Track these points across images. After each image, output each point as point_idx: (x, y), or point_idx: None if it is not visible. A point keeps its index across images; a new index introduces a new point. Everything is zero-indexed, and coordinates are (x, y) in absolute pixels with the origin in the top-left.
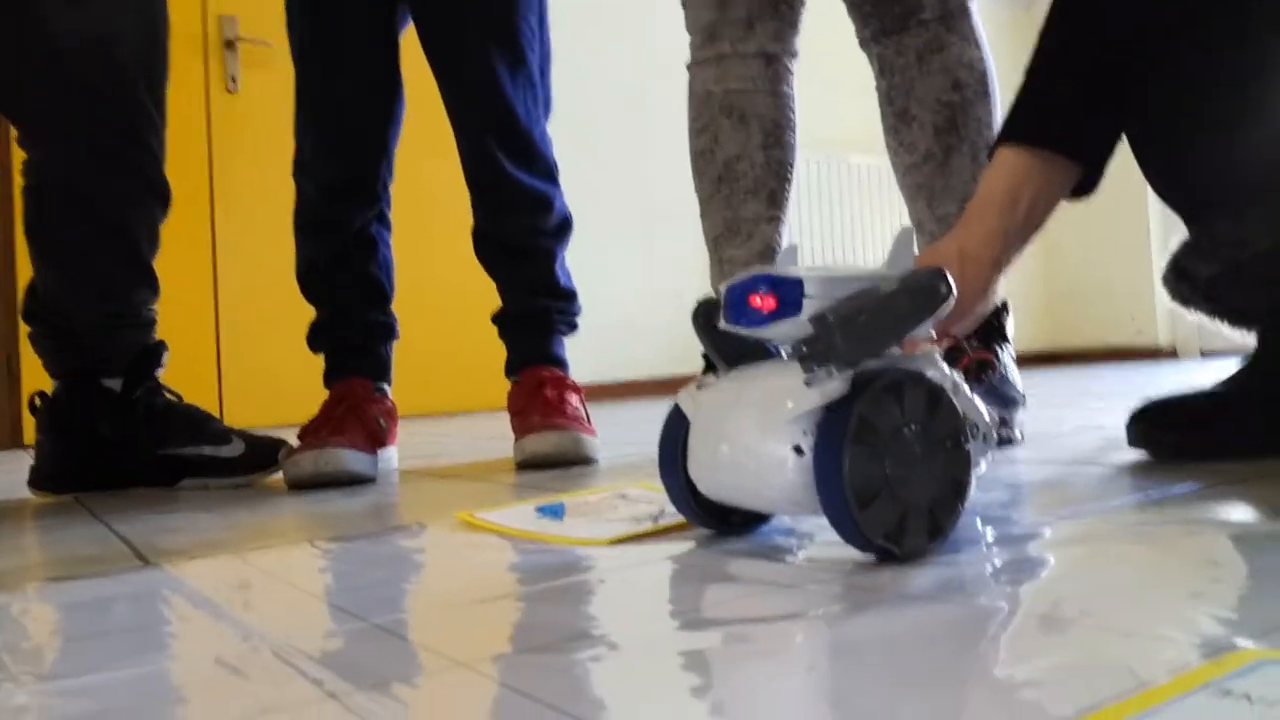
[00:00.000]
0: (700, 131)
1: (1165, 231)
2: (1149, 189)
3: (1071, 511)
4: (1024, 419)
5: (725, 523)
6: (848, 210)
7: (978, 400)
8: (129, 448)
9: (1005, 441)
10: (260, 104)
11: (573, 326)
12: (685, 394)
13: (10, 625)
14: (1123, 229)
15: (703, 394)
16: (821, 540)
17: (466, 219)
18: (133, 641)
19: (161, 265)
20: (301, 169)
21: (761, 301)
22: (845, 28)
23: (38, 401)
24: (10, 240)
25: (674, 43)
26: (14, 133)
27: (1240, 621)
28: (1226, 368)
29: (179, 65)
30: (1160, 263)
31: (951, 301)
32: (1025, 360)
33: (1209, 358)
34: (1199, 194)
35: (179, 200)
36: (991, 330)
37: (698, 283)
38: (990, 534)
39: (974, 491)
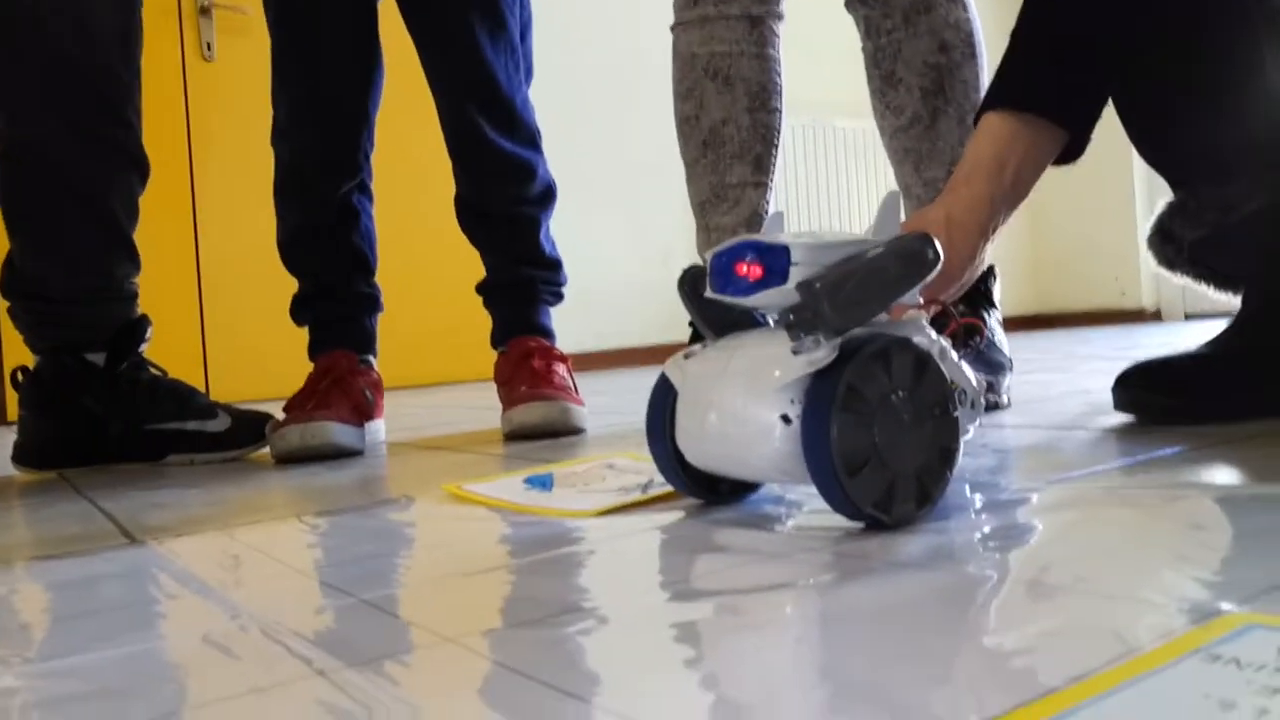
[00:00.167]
0: (685, 95)
1: (1150, 195)
2: (1134, 153)
3: (1059, 476)
4: (1011, 384)
5: (714, 492)
6: (833, 175)
7: (965, 366)
8: (114, 423)
9: (992, 407)
10: (238, 71)
11: (558, 296)
12: (672, 363)
13: None
14: (1108, 193)
15: (690, 363)
16: (810, 509)
17: (450, 188)
18: (120, 620)
19: (142, 238)
20: (279, 135)
21: (748, 269)
22: None
23: (20, 377)
24: None
25: (657, 4)
26: None
27: (1227, 585)
28: (1211, 330)
29: (153, 33)
30: (1145, 226)
31: (939, 267)
32: (1011, 324)
33: (1193, 320)
34: (1185, 158)
35: (157, 172)
36: (978, 295)
37: (684, 250)
38: (978, 500)
39: (962, 458)
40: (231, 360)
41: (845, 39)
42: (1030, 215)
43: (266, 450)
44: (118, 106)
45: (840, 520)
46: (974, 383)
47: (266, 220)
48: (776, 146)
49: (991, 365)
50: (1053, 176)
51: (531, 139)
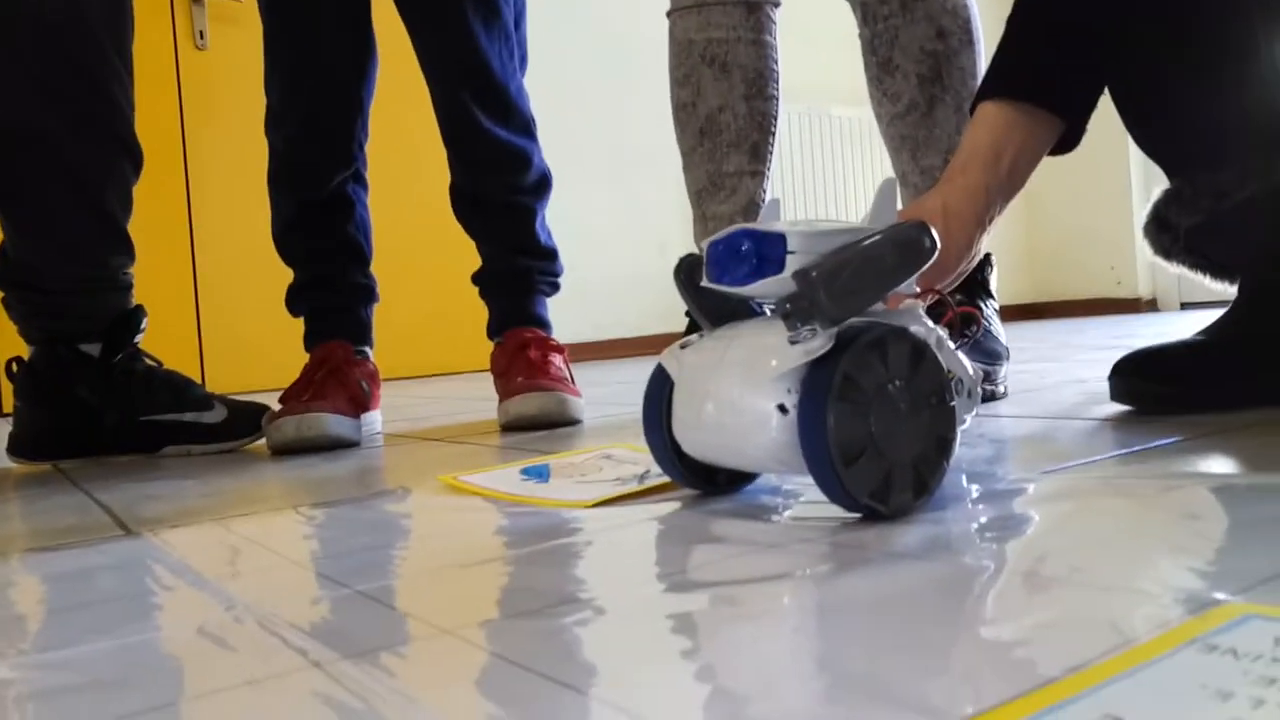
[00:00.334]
0: (682, 82)
1: (1146, 183)
2: (1130, 142)
3: (1055, 466)
4: (1007, 373)
5: (710, 482)
6: (829, 163)
7: (962, 355)
8: (109, 414)
9: (989, 396)
10: (231, 60)
11: (555, 286)
12: (669, 353)
13: None
14: (1104, 182)
15: (686, 353)
16: (807, 499)
17: (445, 177)
18: (116, 612)
19: (136, 228)
20: (272, 124)
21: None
22: None
23: (14, 368)
24: None
25: None
26: None
27: (1223, 575)
28: (1206, 318)
29: (144, 21)
30: (1141, 215)
31: (935, 255)
32: (1007, 313)
33: (1189, 309)
34: (1181, 145)
35: (151, 161)
36: (975, 285)
37: (681, 239)
38: (975, 490)
39: (959, 447)
40: (227, 351)
41: (841, 25)
42: (1026, 204)
43: (263, 441)
44: (110, 94)
45: (837, 510)
46: (971, 372)
47: (261, 210)
48: (773, 134)
49: (988, 354)
50: (1049, 165)
51: (526, 127)
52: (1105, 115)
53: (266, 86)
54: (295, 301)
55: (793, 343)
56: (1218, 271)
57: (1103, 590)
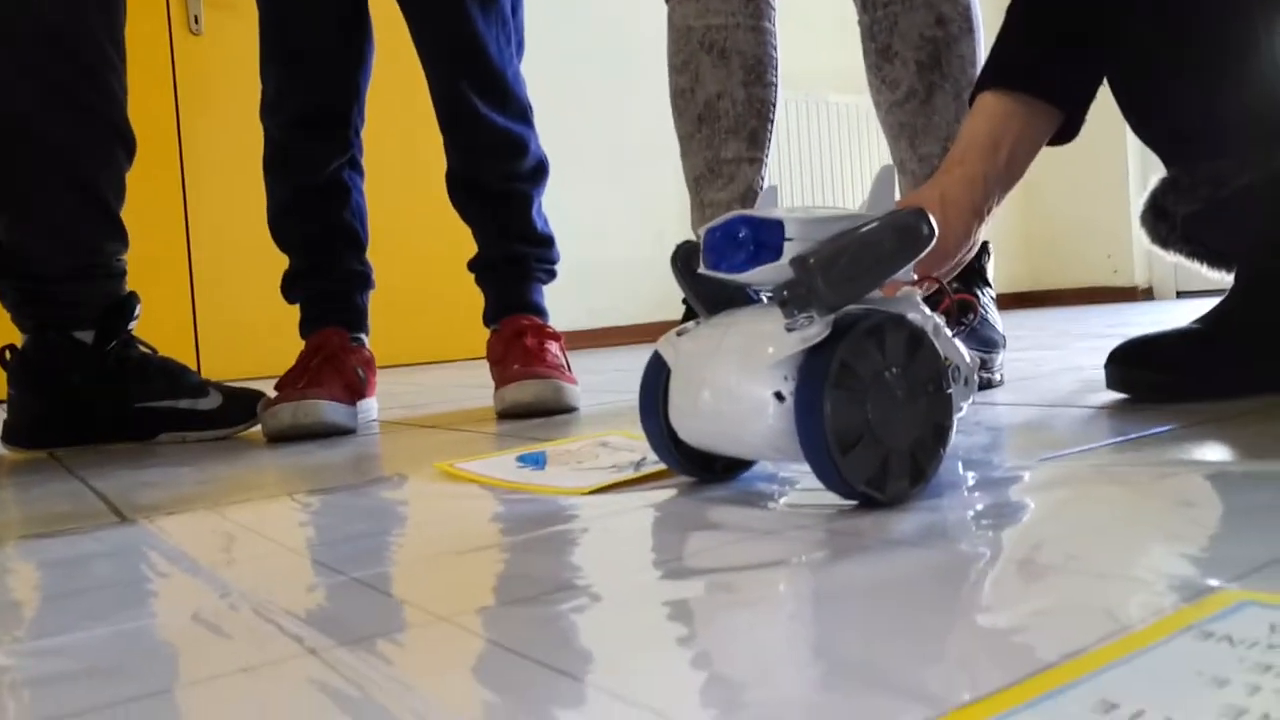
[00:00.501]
0: (680, 69)
1: (1144, 172)
2: (1128, 131)
3: (1051, 454)
4: (1003, 361)
5: (707, 470)
6: (826, 151)
7: (959, 343)
8: (104, 401)
9: (986, 384)
10: (226, 45)
11: (551, 274)
12: (665, 341)
13: None
14: (1101, 171)
15: (683, 341)
16: (803, 486)
17: (442, 164)
18: (111, 599)
19: (131, 215)
20: (268, 110)
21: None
22: None
23: (8, 355)
24: None
25: None
26: None
27: (1218, 562)
28: (1202, 307)
29: (138, 6)
30: (1138, 204)
31: (933, 243)
32: (1003, 302)
33: (1185, 298)
34: (1178, 133)
35: (146, 148)
36: (972, 273)
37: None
38: (971, 478)
39: (955, 435)
40: (223, 338)
41: (840, 12)
42: (1024, 193)
43: (258, 428)
44: (102, 80)
45: (833, 498)
46: (968, 359)
47: (257, 196)
48: (771, 121)
49: (985, 342)
50: (1047, 154)
51: (523, 113)
52: (1103, 104)
53: (262, 72)
54: (291, 288)
55: (790, 330)
56: (1214, 260)
57: (1099, 577)
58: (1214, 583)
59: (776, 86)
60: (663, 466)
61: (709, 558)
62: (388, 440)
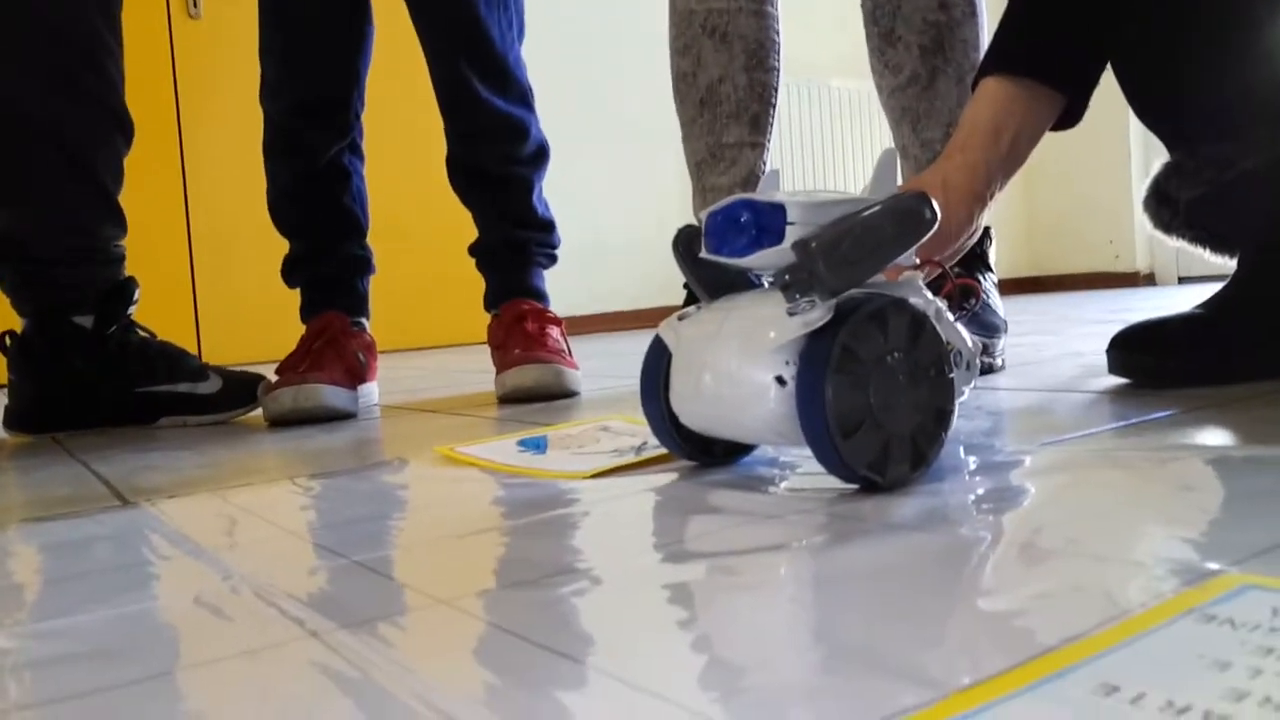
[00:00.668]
0: (682, 52)
1: (1146, 158)
2: (1130, 116)
3: (1052, 439)
4: (1005, 346)
5: (708, 454)
6: (828, 136)
7: (961, 327)
8: (104, 386)
9: (987, 369)
10: (225, 29)
11: (552, 259)
12: (667, 325)
13: None
14: (1103, 156)
15: (684, 325)
16: (804, 470)
17: (443, 148)
18: (112, 582)
19: (131, 200)
20: (268, 93)
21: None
22: None
23: (8, 341)
24: None
25: None
26: None
27: (1220, 547)
28: (1204, 293)
29: None
30: (1141, 189)
31: (935, 226)
32: (1005, 287)
33: (1187, 284)
34: (1181, 116)
35: (145, 132)
36: (974, 258)
37: (680, 212)
38: (972, 462)
39: (956, 420)
40: (223, 323)
41: None
42: (1026, 178)
43: (259, 413)
44: (99, 64)
45: (834, 482)
46: (969, 344)
47: (257, 180)
48: (773, 106)
49: (986, 327)
50: (1048, 140)
51: (524, 97)
52: (1104, 90)
53: (262, 56)
54: (291, 273)
55: (791, 314)
56: (1218, 245)
57: (1099, 561)
58: (1215, 566)
59: (779, 71)
60: (663, 451)
61: (710, 541)
62: (389, 424)
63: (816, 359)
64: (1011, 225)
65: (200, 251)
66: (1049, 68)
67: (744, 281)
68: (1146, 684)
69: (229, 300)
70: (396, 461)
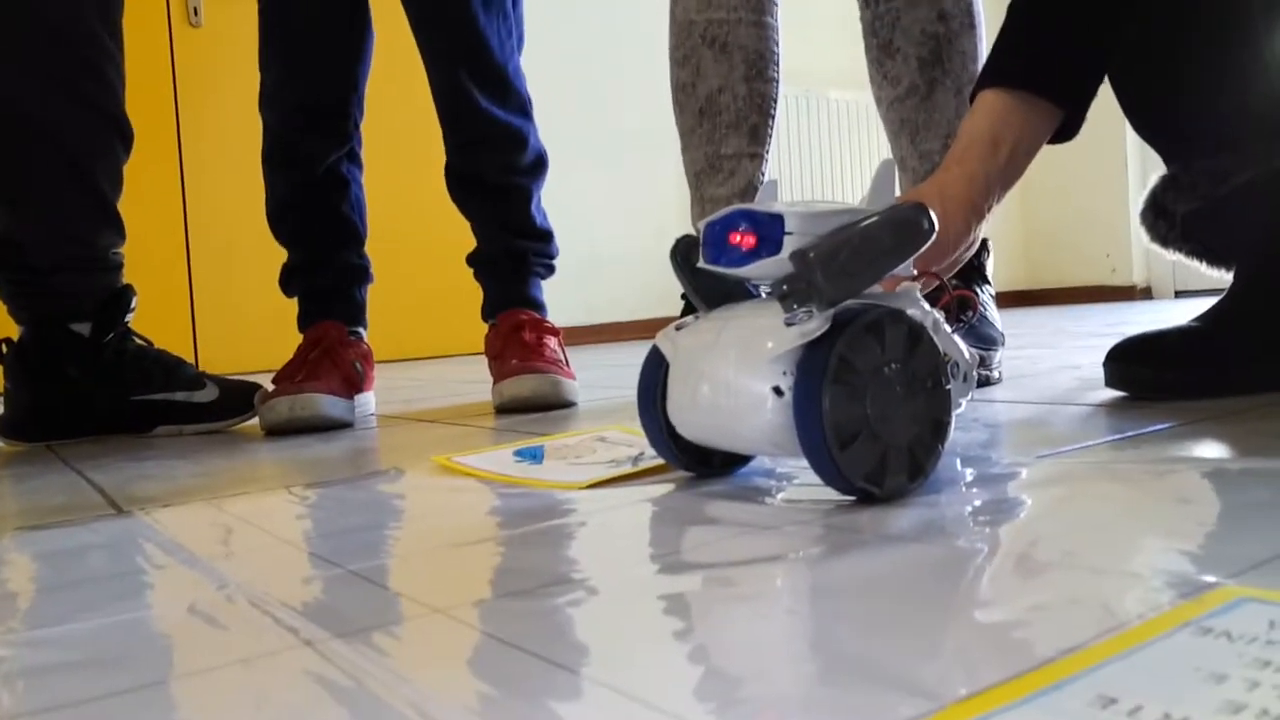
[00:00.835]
0: (681, 62)
1: (1143, 171)
2: (1127, 129)
3: (1049, 451)
4: (1002, 358)
5: (705, 464)
6: (825, 147)
7: (958, 339)
8: (100, 394)
9: (984, 381)
10: (226, 37)
11: (550, 269)
12: (664, 335)
13: None
14: (1100, 168)
15: (681, 335)
16: (801, 481)
17: (441, 157)
18: (106, 591)
19: (129, 207)
20: (267, 102)
21: (741, 239)
22: None
23: (4, 349)
24: None
25: None
26: None
27: (1216, 559)
28: (1200, 307)
29: None
30: (1137, 201)
31: (933, 237)
32: (1002, 300)
33: (1183, 297)
34: (1180, 131)
35: (144, 140)
36: (971, 270)
37: (678, 223)
38: (969, 474)
39: (953, 431)
40: (221, 331)
41: (841, 7)
42: (1022, 192)
43: (255, 421)
44: (99, 71)
45: (831, 493)
46: (967, 356)
47: (256, 189)
48: (773, 116)
49: (983, 339)
50: (1045, 153)
51: (523, 107)
52: (1101, 103)
53: (261, 64)
54: (289, 282)
55: (789, 324)
56: (1214, 258)
57: (1096, 573)
58: (1212, 579)
59: (778, 82)
60: (660, 461)
61: (706, 552)
62: (385, 434)
63: (814, 369)
64: (1008, 238)
65: (198, 260)
66: (1047, 80)
67: (742, 291)
68: (1143, 696)
69: (226, 309)
70: (393, 471)
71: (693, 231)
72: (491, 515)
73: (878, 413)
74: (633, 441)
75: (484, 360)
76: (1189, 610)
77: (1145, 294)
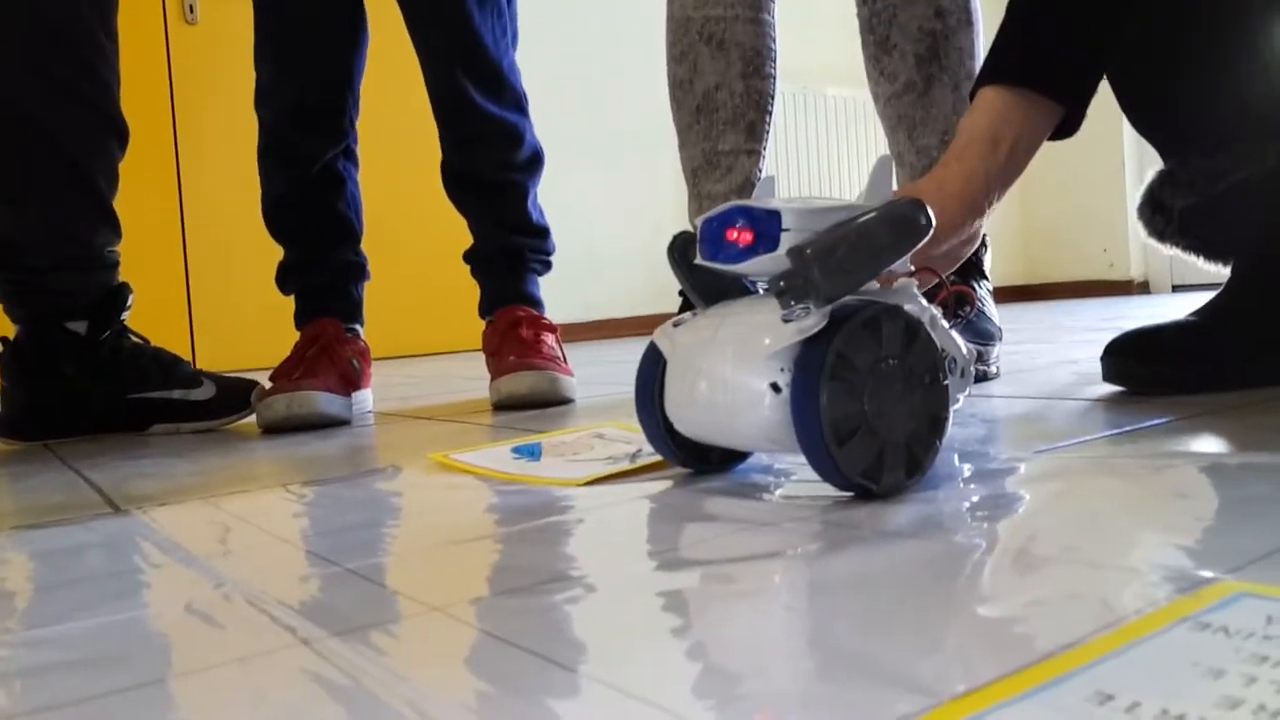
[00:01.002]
0: (679, 59)
1: (1140, 166)
2: (1125, 125)
3: (1046, 446)
4: (1000, 354)
5: (703, 461)
6: (823, 144)
7: (955, 335)
8: (97, 392)
9: (982, 376)
10: (222, 35)
11: (547, 265)
12: (661, 332)
13: None
14: (1097, 164)
15: (679, 332)
16: (799, 478)
17: (437, 154)
18: (103, 590)
19: (126, 205)
20: (262, 99)
21: (738, 235)
22: None
23: (0, 347)
24: None
25: None
26: None
27: (1214, 554)
28: (1198, 301)
29: None
30: (1135, 197)
31: (930, 233)
32: (999, 295)
33: (1180, 292)
34: (1178, 128)
35: (140, 138)
36: (969, 265)
37: (675, 219)
38: (967, 470)
39: (951, 427)
40: (218, 329)
41: (839, 4)
42: (1020, 187)
43: (252, 419)
44: (95, 69)
45: (829, 489)
46: (964, 351)
47: (252, 187)
48: (770, 113)
49: (981, 335)
50: (1043, 148)
51: (518, 104)
52: (1099, 99)
53: (257, 61)
54: (286, 279)
55: (786, 321)
56: (1211, 253)
57: (1094, 569)
58: (1210, 574)
59: (775, 79)
60: (658, 458)
61: (704, 549)
62: (382, 431)
63: (811, 366)
64: (1006, 233)
65: (195, 257)
66: (1047, 78)
67: (739, 288)
68: (1141, 692)
69: (223, 306)
70: (390, 468)
71: (690, 228)
72: (489, 512)
73: (875, 409)
74: (630, 438)
75: (481, 357)
76: (1187, 605)
77: (1143, 289)
